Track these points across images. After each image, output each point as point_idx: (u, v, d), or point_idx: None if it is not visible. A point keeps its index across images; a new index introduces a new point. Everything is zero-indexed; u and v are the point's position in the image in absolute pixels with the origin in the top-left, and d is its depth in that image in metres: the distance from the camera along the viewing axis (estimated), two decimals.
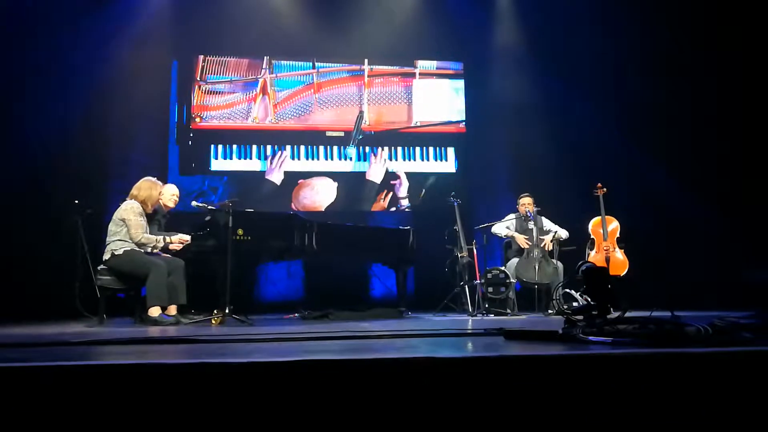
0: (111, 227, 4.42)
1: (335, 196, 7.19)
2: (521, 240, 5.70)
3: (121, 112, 6.74)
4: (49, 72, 6.36)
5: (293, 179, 7.17)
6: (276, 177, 7.13)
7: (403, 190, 7.35)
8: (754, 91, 6.43)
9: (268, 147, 7.17)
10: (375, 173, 7.31)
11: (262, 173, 7.13)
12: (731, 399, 1.65)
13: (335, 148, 7.30)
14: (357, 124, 7.33)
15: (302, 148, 7.24)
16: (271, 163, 7.13)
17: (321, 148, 7.27)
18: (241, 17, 7.02)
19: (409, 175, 7.40)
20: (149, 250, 4.44)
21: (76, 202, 5.22)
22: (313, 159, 7.24)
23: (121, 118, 6.74)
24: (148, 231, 4.49)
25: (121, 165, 6.67)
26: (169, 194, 4.84)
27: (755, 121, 6.44)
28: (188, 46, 7.11)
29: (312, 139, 7.27)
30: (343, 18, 7.20)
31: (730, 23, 6.50)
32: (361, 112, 7.37)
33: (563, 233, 5.82)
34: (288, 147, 7.19)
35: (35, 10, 6.33)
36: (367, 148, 7.34)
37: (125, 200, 4.54)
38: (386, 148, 7.38)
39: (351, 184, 7.29)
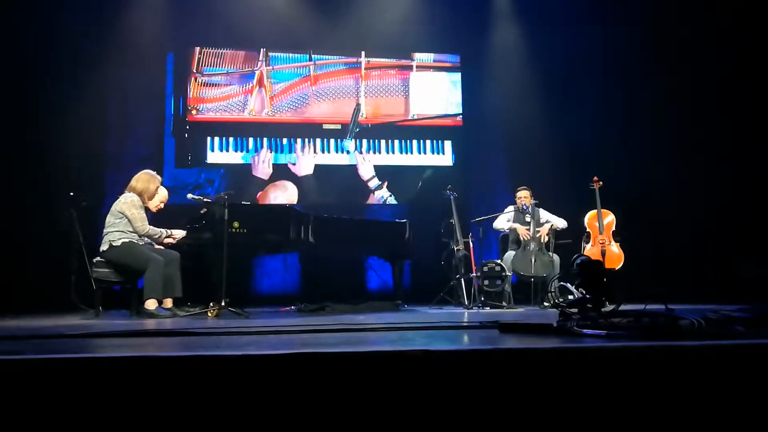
0: (109, 219, 4.40)
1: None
2: (522, 230, 5.71)
3: (117, 104, 6.72)
4: (45, 64, 6.32)
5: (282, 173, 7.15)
6: (263, 173, 7.11)
7: (365, 171, 7.30)
8: (753, 86, 6.42)
9: (264, 140, 7.15)
10: (365, 171, 7.31)
11: None
12: (724, 392, 1.67)
13: (332, 140, 7.28)
14: (354, 116, 7.31)
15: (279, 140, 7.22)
16: (255, 160, 7.10)
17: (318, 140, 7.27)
18: (237, 9, 6.97)
19: (406, 168, 7.40)
20: (156, 239, 4.44)
21: (72, 194, 5.21)
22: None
23: (117, 110, 6.72)
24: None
25: (117, 157, 6.65)
26: (158, 199, 4.62)
27: (753, 114, 6.44)
28: (184, 38, 7.06)
29: (309, 131, 7.25)
30: (340, 9, 7.16)
31: (729, 19, 6.49)
32: (358, 104, 7.35)
33: (561, 223, 5.82)
34: (277, 140, 7.19)
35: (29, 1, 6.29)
36: (364, 141, 7.34)
37: (123, 193, 4.52)
38: (374, 145, 7.38)
39: (347, 177, 7.28)
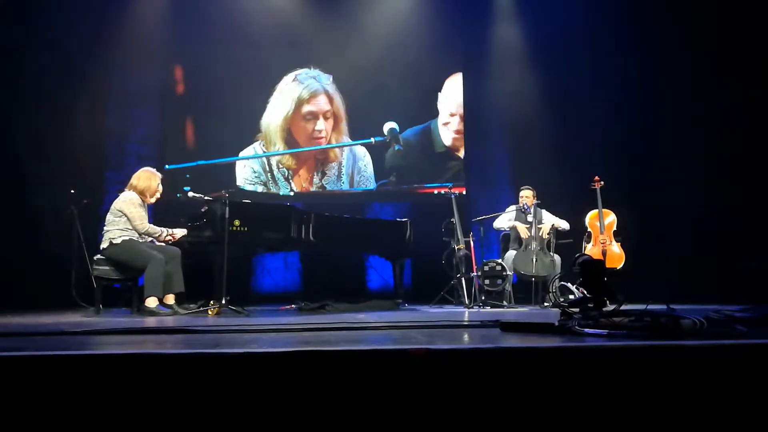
0: (109, 217, 4.40)
1: None
2: (522, 229, 5.70)
3: (118, 103, 6.71)
4: (48, 65, 6.32)
5: None
6: None
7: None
8: (755, 85, 6.40)
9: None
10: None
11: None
12: (725, 392, 1.66)
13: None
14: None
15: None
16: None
17: None
18: (239, 15, 6.97)
19: None
20: (157, 237, 4.43)
21: (72, 192, 5.21)
22: None
23: (118, 110, 6.72)
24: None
25: (118, 155, 6.66)
26: (157, 194, 4.61)
27: (756, 113, 6.42)
28: (187, 41, 7.04)
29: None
30: (340, 9, 7.15)
31: (732, 21, 6.47)
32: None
33: (564, 224, 5.82)
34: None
35: None
36: None
37: (123, 191, 4.52)
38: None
39: None
